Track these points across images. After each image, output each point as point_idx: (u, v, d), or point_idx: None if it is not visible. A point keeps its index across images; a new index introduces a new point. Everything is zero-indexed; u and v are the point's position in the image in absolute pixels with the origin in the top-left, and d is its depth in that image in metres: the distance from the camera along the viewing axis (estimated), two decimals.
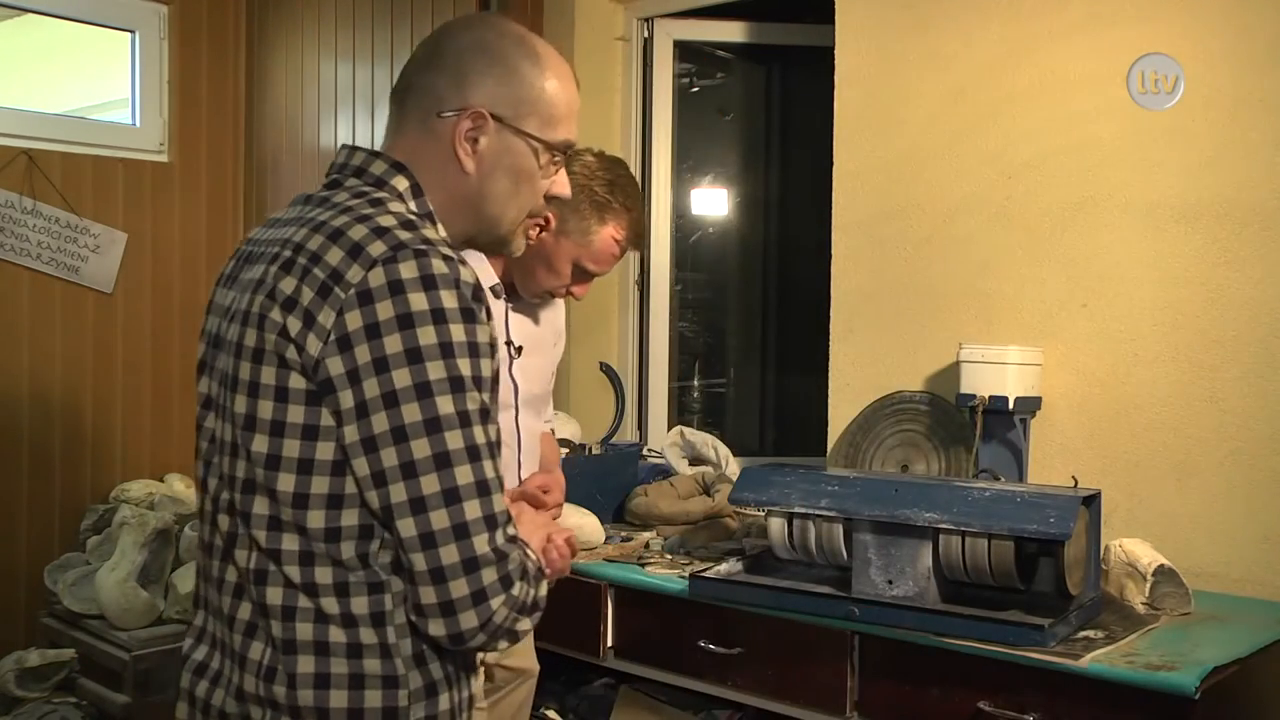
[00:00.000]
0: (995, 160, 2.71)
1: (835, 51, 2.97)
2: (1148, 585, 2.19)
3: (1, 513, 3.87)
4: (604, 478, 2.99)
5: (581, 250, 2.11)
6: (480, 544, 1.20)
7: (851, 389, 2.90)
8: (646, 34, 3.67)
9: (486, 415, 1.24)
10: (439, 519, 1.19)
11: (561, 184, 1.43)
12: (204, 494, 1.37)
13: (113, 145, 4.13)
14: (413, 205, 1.34)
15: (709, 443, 3.19)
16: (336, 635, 1.24)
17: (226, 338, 1.31)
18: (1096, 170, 2.56)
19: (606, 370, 3.51)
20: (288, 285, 1.23)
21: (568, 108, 1.40)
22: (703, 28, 3.69)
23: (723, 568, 2.39)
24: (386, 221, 1.25)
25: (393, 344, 1.18)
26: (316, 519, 1.23)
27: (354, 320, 1.19)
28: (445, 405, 1.19)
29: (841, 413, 2.91)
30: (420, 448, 1.19)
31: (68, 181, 3.98)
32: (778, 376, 4.05)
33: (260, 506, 1.25)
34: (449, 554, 1.19)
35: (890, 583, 2.11)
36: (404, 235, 1.23)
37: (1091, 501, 2.17)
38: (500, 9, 3.60)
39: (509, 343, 2.08)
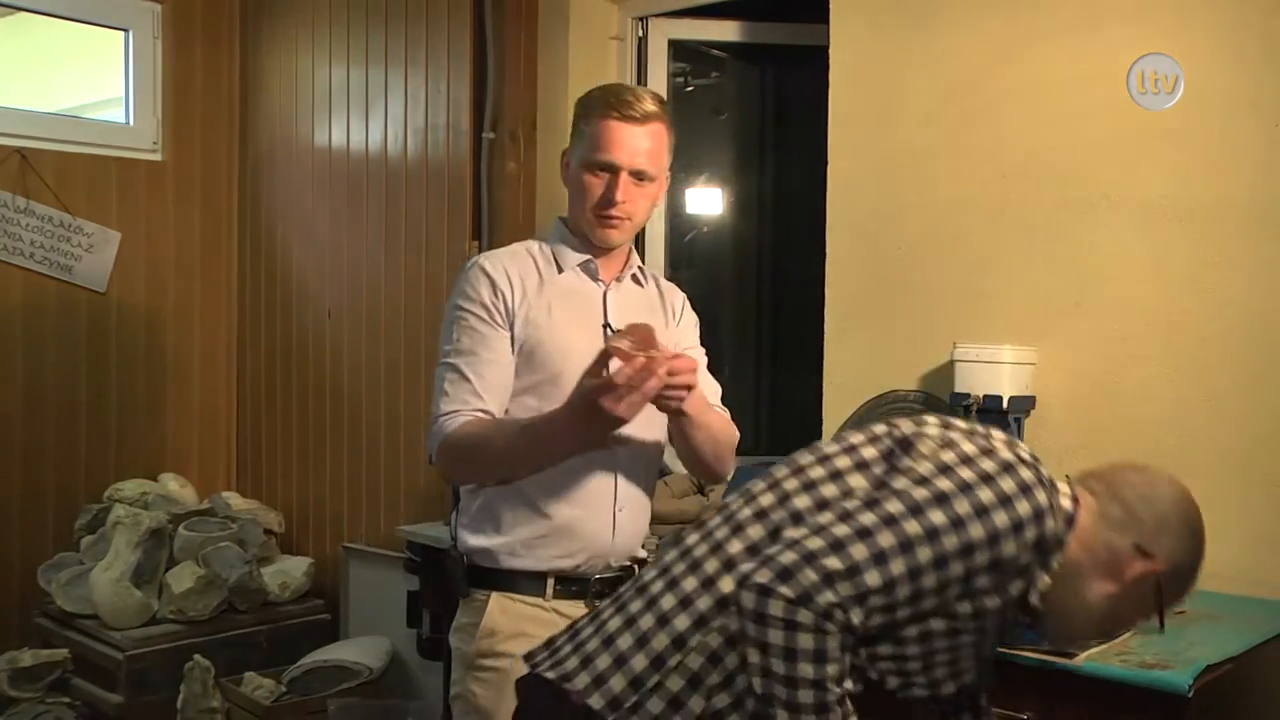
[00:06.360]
0: (990, 159, 2.71)
1: (829, 50, 2.97)
2: None
3: None
4: None
5: None
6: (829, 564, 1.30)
7: (846, 388, 2.90)
8: (641, 33, 3.67)
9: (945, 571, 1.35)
10: (841, 529, 1.33)
11: None
12: None
13: (106, 144, 4.13)
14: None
15: None
16: None
17: None
18: (1091, 170, 2.57)
19: None
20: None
21: None
22: (697, 27, 3.69)
23: None
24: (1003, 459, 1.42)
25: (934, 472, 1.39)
26: None
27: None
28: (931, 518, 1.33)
29: (836, 412, 2.90)
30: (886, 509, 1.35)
31: (61, 180, 3.98)
32: (772, 375, 4.06)
33: None
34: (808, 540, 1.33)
35: None
36: (1011, 481, 1.38)
37: None
38: (495, 8, 3.60)
39: (606, 325, 2.01)
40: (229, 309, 4.47)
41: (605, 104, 1.97)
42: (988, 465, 1.38)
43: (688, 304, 2.19)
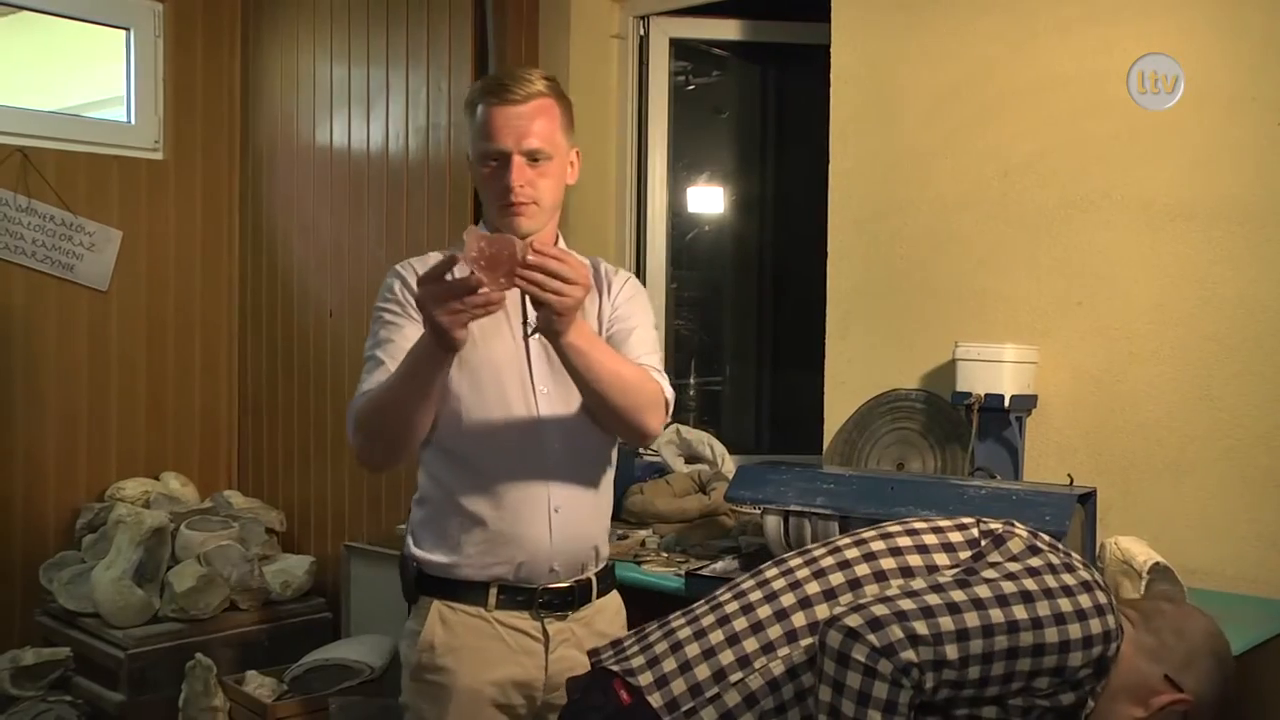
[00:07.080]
0: (991, 158, 2.71)
1: (831, 49, 2.97)
2: (1143, 583, 2.19)
3: None
4: None
5: None
6: (906, 651, 1.35)
7: (847, 387, 2.90)
8: (642, 32, 3.67)
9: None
10: (933, 598, 1.40)
11: None
12: None
13: (108, 143, 4.13)
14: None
15: (705, 441, 3.20)
16: None
17: None
18: (1092, 168, 2.57)
19: None
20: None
21: None
22: (698, 26, 3.69)
23: (719, 565, 2.39)
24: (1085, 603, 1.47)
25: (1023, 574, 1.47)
26: None
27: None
28: (1007, 615, 1.40)
29: (837, 411, 2.91)
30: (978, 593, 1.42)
31: (62, 179, 3.98)
32: (774, 375, 4.06)
33: None
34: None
35: None
36: (1089, 599, 1.46)
37: (1086, 499, 2.17)
38: (496, 7, 3.60)
39: (525, 319, 1.98)
40: (230, 307, 4.47)
41: (485, 92, 1.94)
42: (1069, 579, 1.46)
43: (632, 281, 2.13)
